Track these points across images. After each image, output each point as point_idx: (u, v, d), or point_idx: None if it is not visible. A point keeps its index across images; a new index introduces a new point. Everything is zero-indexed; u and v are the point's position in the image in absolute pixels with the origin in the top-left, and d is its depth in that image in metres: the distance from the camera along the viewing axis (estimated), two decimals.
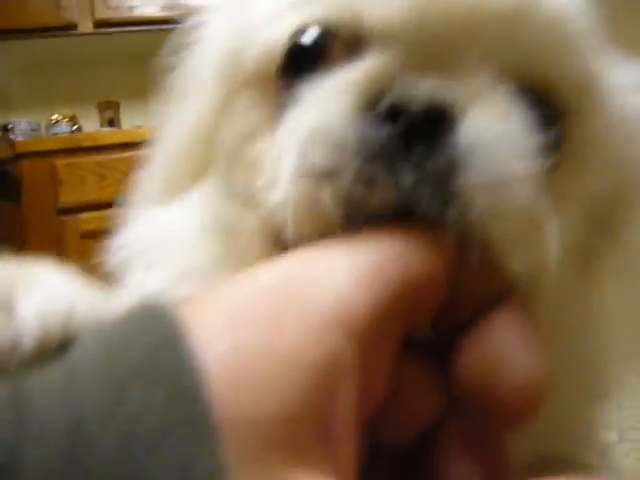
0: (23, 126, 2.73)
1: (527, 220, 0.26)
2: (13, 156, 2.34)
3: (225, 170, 0.35)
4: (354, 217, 0.25)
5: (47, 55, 2.85)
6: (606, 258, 0.34)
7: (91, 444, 0.17)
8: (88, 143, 2.35)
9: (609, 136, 0.32)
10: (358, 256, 0.22)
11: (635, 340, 0.37)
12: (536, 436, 0.28)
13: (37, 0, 2.67)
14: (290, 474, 0.18)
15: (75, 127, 2.79)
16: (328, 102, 0.27)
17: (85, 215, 2.29)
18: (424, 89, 0.26)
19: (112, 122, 2.94)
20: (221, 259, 0.33)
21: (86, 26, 2.75)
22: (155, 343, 0.19)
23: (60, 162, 2.32)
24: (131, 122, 2.84)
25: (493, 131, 0.26)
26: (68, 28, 2.73)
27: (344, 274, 0.21)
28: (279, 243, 0.28)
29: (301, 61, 0.30)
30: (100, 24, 2.76)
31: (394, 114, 0.25)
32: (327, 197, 0.25)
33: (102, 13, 2.76)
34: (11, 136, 2.62)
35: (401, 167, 0.25)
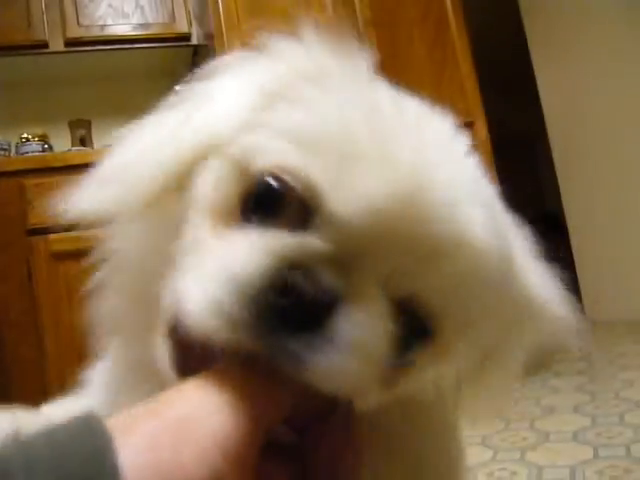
0: None
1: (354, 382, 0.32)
2: None
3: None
4: (234, 342, 0.31)
5: (17, 73, 2.81)
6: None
7: None
8: (58, 163, 2.32)
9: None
10: (228, 397, 0.30)
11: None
12: None
13: (7, 18, 2.64)
14: None
15: (46, 146, 2.76)
16: (254, 252, 0.32)
17: (55, 236, 2.25)
18: (326, 281, 0.31)
19: (84, 141, 2.91)
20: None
21: (57, 44, 2.73)
22: (89, 453, 0.25)
23: (29, 182, 2.28)
24: (103, 141, 2.82)
25: (360, 328, 0.32)
26: (39, 47, 2.70)
27: (218, 413, 0.29)
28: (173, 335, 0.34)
29: (264, 200, 0.34)
30: (71, 43, 2.74)
31: (292, 289, 0.30)
32: (221, 324, 0.31)
33: (73, 32, 2.74)
34: None
35: (281, 328, 0.30)
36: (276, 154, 0.34)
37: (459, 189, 0.34)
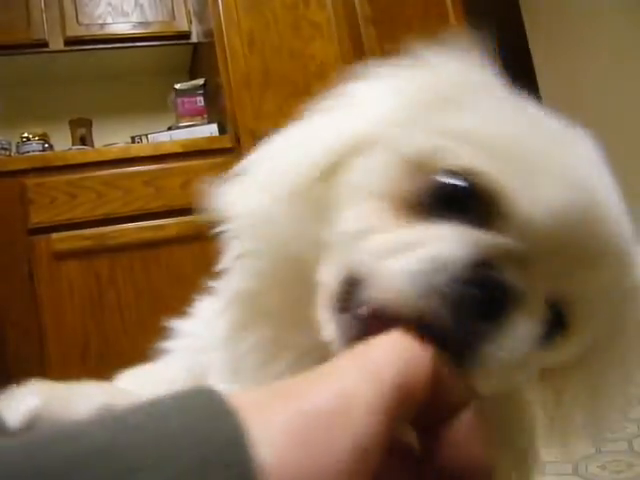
0: None
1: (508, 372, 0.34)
2: None
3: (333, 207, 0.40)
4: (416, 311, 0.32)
5: (17, 73, 2.81)
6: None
7: None
8: (59, 162, 2.32)
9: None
10: (380, 374, 0.28)
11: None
12: None
13: (6, 17, 2.64)
14: None
15: (46, 145, 2.76)
16: (455, 241, 0.34)
17: (56, 235, 2.25)
18: (509, 279, 0.33)
19: (84, 140, 2.91)
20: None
21: (57, 43, 2.73)
22: (224, 438, 0.22)
23: (30, 181, 2.28)
24: (104, 140, 2.82)
25: (526, 326, 0.34)
26: (38, 46, 2.70)
27: (366, 403, 0.26)
28: (343, 299, 0.36)
29: (446, 197, 0.36)
30: (71, 41, 2.74)
31: (484, 282, 0.33)
32: (415, 293, 0.32)
33: (73, 30, 2.74)
34: None
35: (463, 309, 0.32)
36: (462, 157, 0.36)
37: (619, 206, 0.39)
